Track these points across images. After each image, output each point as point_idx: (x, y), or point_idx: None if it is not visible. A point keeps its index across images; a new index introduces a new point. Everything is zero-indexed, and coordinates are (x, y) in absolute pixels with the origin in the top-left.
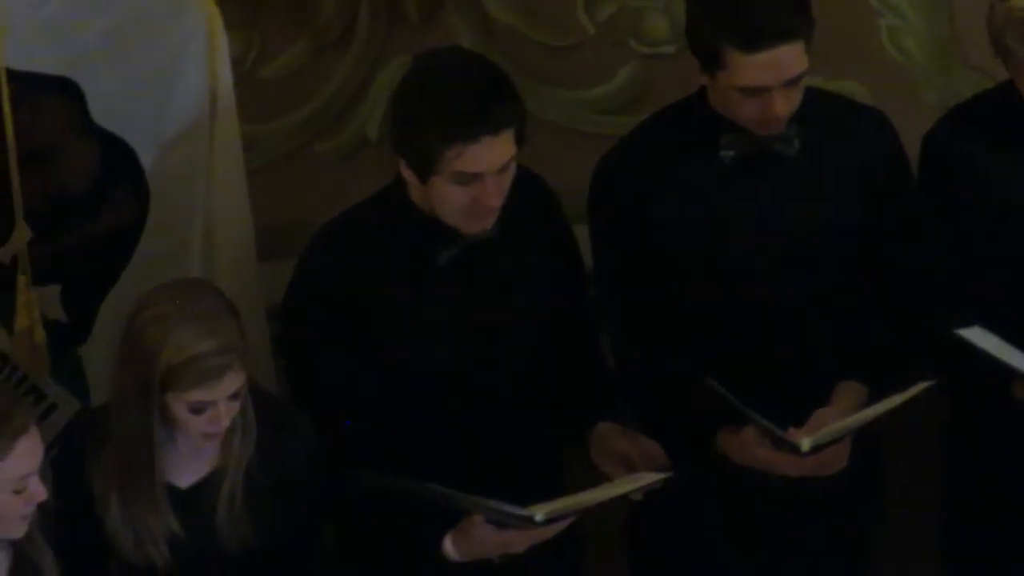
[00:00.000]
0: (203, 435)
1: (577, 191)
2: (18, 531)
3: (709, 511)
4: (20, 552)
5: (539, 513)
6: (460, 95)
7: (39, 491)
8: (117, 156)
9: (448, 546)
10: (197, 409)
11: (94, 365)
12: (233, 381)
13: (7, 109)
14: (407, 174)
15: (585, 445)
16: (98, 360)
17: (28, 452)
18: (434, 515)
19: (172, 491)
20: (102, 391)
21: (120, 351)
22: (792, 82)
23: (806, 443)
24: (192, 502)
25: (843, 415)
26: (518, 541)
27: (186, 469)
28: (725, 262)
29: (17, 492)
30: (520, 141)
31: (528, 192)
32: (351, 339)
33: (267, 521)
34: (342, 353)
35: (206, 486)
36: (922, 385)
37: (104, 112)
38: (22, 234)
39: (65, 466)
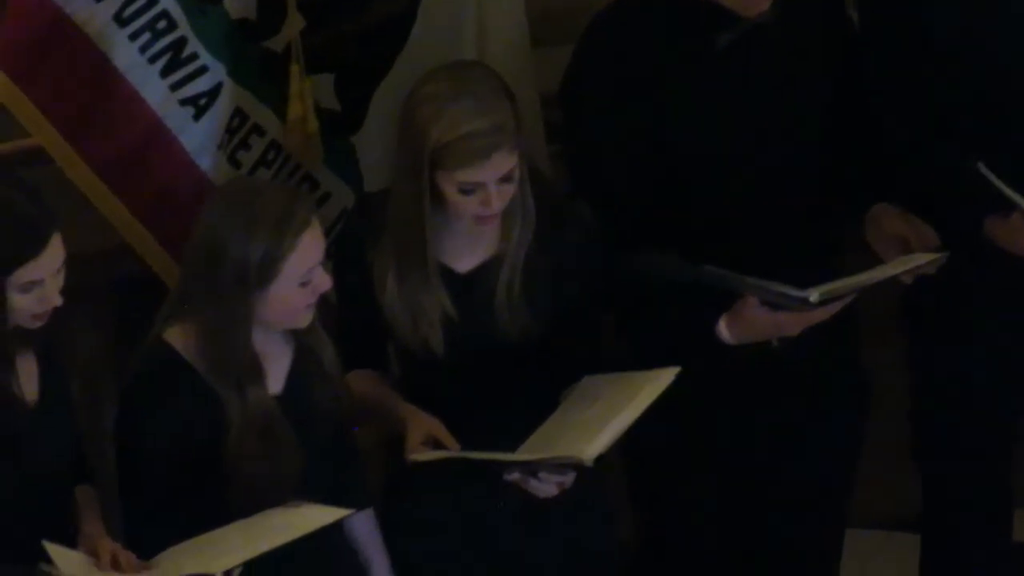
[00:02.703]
0: (475, 218)
1: None
2: (304, 321)
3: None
4: (301, 344)
5: (814, 293)
6: None
7: (323, 281)
8: None
9: (722, 328)
10: (467, 190)
11: (367, 154)
12: (502, 162)
13: None
14: None
15: (861, 226)
16: (371, 149)
17: (312, 245)
18: (709, 298)
19: (451, 276)
20: (375, 179)
21: (396, 131)
22: None
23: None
24: (471, 287)
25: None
26: (792, 323)
27: (465, 254)
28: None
29: (303, 285)
30: None
31: None
32: (630, 121)
33: (545, 307)
34: (621, 135)
35: (485, 271)
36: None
37: None
38: (295, 23)
39: (345, 252)
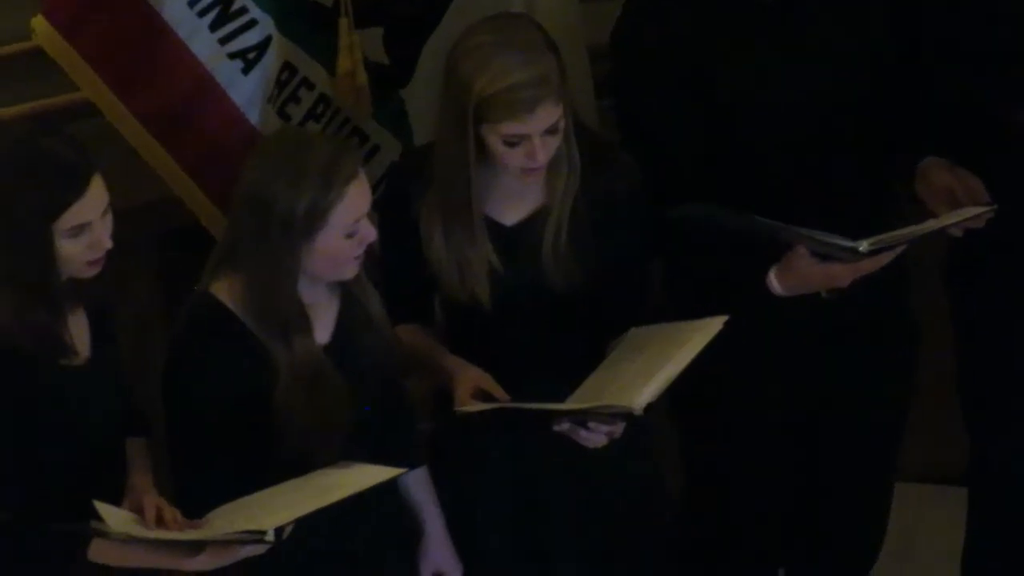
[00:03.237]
0: (521, 170)
1: None
2: (350, 273)
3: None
4: (348, 295)
5: (864, 243)
6: None
7: (369, 233)
8: None
9: (772, 280)
10: (512, 142)
11: (416, 107)
12: (547, 115)
13: None
14: None
15: (911, 178)
16: (420, 102)
17: (359, 196)
18: (758, 249)
19: (498, 229)
20: (424, 133)
21: (442, 84)
22: None
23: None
24: (518, 240)
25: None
26: (843, 274)
27: (512, 207)
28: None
29: (349, 236)
30: None
31: None
32: (679, 73)
33: (592, 258)
34: (670, 87)
35: (532, 224)
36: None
37: None
38: None
39: (392, 204)
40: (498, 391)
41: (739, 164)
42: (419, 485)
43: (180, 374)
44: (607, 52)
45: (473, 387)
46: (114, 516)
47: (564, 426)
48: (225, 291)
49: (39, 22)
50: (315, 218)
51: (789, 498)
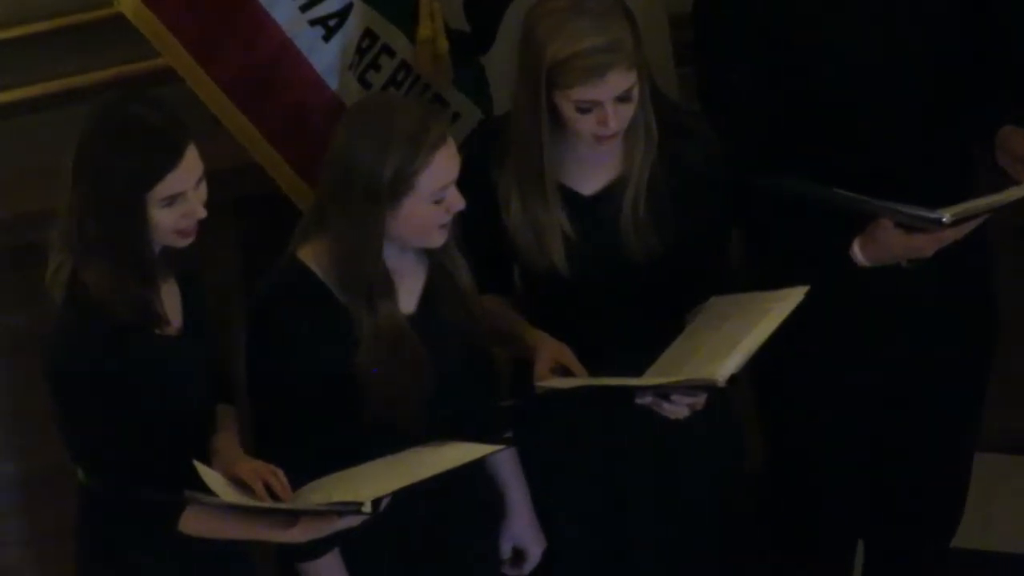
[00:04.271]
0: (594, 137)
1: None
2: (438, 239)
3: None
4: (435, 262)
5: (946, 214)
6: None
7: (457, 200)
8: None
9: (856, 251)
10: (584, 108)
11: (496, 75)
12: (619, 81)
13: None
14: None
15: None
16: (500, 70)
17: (446, 162)
18: (841, 220)
19: (576, 198)
20: (504, 101)
21: (518, 50)
22: None
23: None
24: (596, 209)
25: None
26: (926, 244)
27: (590, 177)
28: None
29: (436, 203)
30: None
31: None
32: (761, 39)
33: (671, 227)
34: (752, 53)
35: (610, 193)
36: None
37: None
38: None
39: (471, 172)
40: (577, 366)
41: (820, 129)
42: (506, 462)
43: (264, 342)
44: (688, 20)
45: (553, 362)
46: (212, 478)
47: (647, 399)
48: (311, 256)
49: None
50: (401, 183)
51: (868, 468)
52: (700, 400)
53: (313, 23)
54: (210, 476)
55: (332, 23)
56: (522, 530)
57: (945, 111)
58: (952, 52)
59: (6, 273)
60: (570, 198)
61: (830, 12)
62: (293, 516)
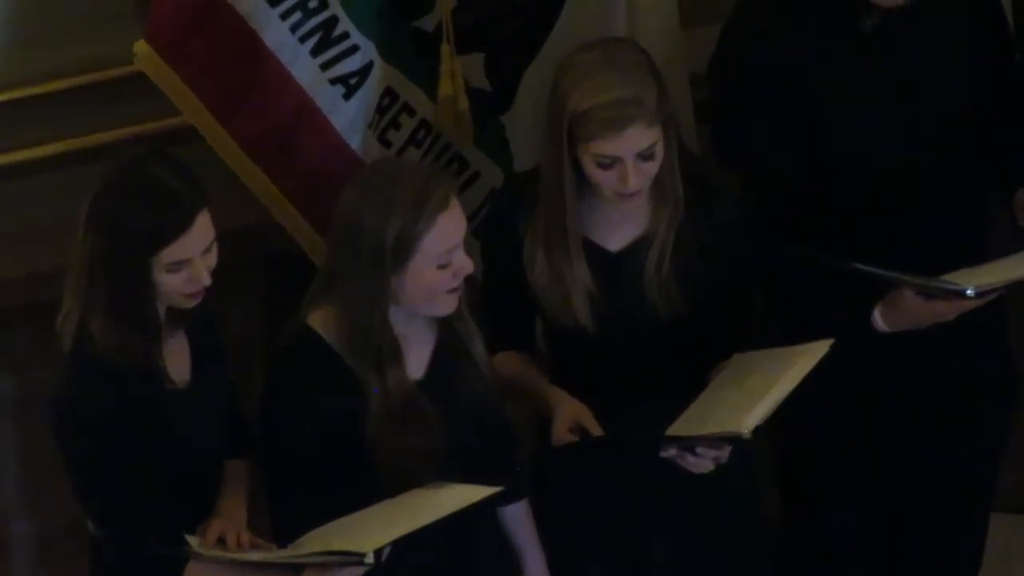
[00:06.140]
0: (615, 194)
1: None
2: (446, 308)
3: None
4: (449, 330)
5: (971, 288)
6: None
7: (464, 264)
8: None
9: (878, 318)
10: (604, 164)
11: (517, 133)
12: (638, 137)
13: None
14: None
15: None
16: (521, 128)
17: (451, 225)
18: (863, 286)
19: (602, 254)
20: (524, 160)
21: (547, 100)
22: None
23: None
24: (621, 265)
25: None
26: (948, 311)
27: (616, 233)
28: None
29: (441, 267)
30: None
31: None
32: (777, 104)
33: (695, 286)
34: (770, 116)
35: (635, 249)
36: None
37: None
38: (446, 2)
39: (496, 228)
40: (595, 427)
41: (835, 191)
42: (521, 525)
43: (275, 405)
44: (706, 78)
45: (571, 422)
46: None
47: (671, 452)
48: (320, 322)
49: (141, 46)
50: (404, 247)
51: (884, 524)
52: (725, 453)
53: (334, 82)
54: (197, 544)
55: (353, 81)
56: None
57: (962, 176)
58: (970, 120)
59: (21, 330)
60: (595, 253)
61: (845, 78)
62: (296, 570)
